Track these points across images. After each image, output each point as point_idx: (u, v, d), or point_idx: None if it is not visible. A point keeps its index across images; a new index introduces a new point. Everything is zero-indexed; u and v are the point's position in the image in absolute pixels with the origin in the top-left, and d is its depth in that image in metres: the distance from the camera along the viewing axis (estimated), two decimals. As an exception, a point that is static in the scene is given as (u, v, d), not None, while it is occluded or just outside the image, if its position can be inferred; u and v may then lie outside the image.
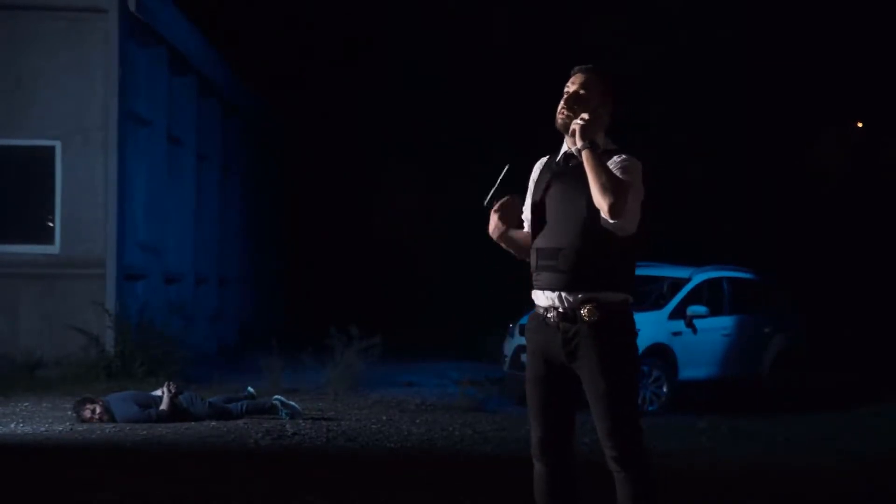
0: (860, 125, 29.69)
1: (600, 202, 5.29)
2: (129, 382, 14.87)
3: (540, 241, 5.58)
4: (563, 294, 5.47)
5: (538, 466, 5.68)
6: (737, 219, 27.14)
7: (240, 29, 29.21)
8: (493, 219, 5.63)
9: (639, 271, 16.63)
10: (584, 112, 5.50)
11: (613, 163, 5.45)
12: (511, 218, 5.65)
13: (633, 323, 5.57)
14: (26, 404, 13.52)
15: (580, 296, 5.43)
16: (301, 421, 12.43)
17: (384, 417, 13.23)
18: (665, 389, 15.73)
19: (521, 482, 7.75)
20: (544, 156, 5.85)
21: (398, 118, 31.10)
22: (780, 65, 27.59)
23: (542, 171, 5.76)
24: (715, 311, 16.51)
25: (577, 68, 5.69)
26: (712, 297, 16.70)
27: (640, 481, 5.49)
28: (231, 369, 18.05)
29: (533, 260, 5.63)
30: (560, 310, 5.49)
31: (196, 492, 8.37)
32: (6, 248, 16.45)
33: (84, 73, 16.55)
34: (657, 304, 16.44)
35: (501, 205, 5.61)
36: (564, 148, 5.66)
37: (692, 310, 16.16)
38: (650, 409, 15.51)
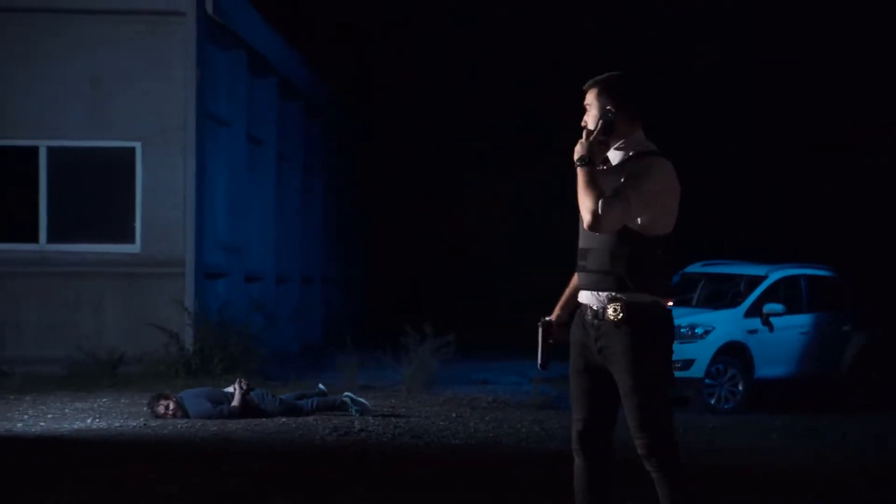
0: None
1: (583, 214, 5.54)
2: (207, 380, 15.07)
3: (580, 242, 5.76)
4: (595, 293, 5.65)
5: (578, 461, 5.81)
6: (800, 216, 26.84)
7: (319, 29, 29.46)
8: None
9: (715, 269, 16.59)
10: (591, 131, 5.65)
11: (631, 166, 5.60)
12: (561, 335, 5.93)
13: (662, 322, 5.63)
14: (105, 400, 13.81)
15: (606, 295, 5.60)
16: (370, 418, 12.54)
17: (453, 415, 13.29)
18: (741, 388, 15.65)
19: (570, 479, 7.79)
20: None
21: (474, 118, 31.20)
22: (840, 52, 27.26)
23: None
24: (792, 309, 16.39)
25: (586, 85, 5.81)
26: (789, 295, 16.57)
27: (671, 476, 5.58)
28: (309, 367, 18.23)
29: (577, 261, 5.82)
30: (593, 307, 5.66)
31: (243, 485, 8.55)
32: (89, 247, 16.78)
33: (163, 76, 16.81)
34: (733, 303, 16.38)
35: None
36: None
37: (769, 308, 16.07)
38: (726, 406, 15.47)
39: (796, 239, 23.93)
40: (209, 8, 16.93)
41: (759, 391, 16.02)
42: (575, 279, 5.90)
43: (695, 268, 17.48)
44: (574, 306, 5.86)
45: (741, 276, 16.90)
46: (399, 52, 32.23)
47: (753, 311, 16.07)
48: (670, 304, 5.69)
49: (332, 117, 26.67)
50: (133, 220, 16.86)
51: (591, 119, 5.69)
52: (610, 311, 5.55)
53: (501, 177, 31.21)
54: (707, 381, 15.45)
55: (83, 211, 16.93)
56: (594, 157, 5.59)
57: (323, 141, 25.66)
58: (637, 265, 5.53)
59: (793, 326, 16.33)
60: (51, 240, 16.81)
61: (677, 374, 15.10)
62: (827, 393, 16.78)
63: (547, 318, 5.88)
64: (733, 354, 15.73)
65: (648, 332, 5.55)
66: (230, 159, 18.62)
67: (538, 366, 5.92)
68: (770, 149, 27.59)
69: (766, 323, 16.02)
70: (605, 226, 5.46)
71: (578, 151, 5.58)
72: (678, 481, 5.57)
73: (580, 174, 5.53)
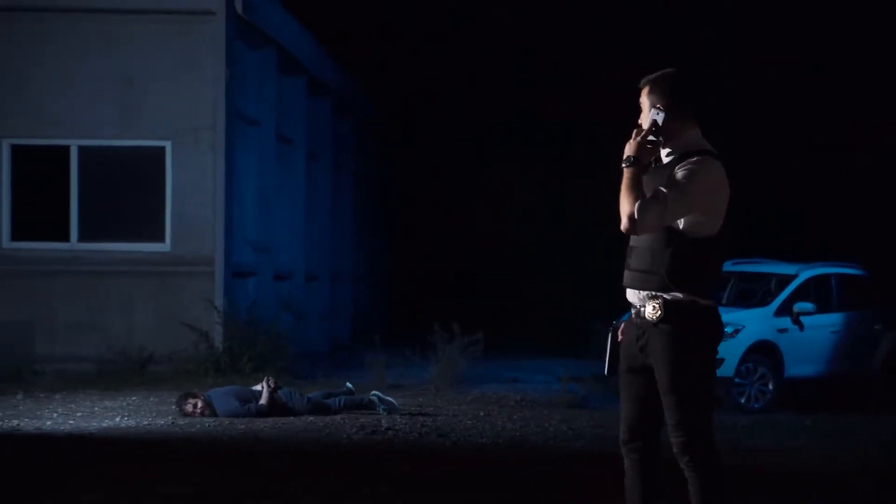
0: None
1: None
2: (236, 378, 15.10)
3: (630, 241, 5.78)
4: (636, 291, 5.67)
5: (627, 461, 5.83)
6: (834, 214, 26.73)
7: (349, 27, 29.51)
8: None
9: (745, 268, 16.50)
10: (641, 131, 5.64)
11: (677, 166, 5.57)
12: None
13: (704, 321, 5.63)
14: (134, 398, 13.88)
15: (647, 293, 5.60)
16: (398, 416, 12.55)
17: (481, 413, 13.28)
18: (771, 387, 15.58)
19: (593, 479, 7.79)
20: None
21: (504, 116, 31.20)
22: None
23: None
24: (823, 308, 16.31)
25: (642, 82, 5.78)
26: (820, 294, 16.48)
27: (704, 474, 5.60)
28: (338, 365, 18.28)
29: None
30: (636, 306, 5.68)
31: (270, 484, 8.59)
32: (120, 246, 16.86)
33: (193, 75, 16.86)
34: (763, 301, 16.32)
35: None
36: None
37: (799, 306, 16.00)
38: (756, 406, 15.42)
39: (821, 239, 23.82)
40: (239, 7, 16.96)
41: (790, 391, 15.95)
42: None
43: (725, 266, 17.35)
44: None
45: (771, 274, 16.84)
46: (427, 48, 32.24)
47: (783, 310, 16.00)
48: (710, 303, 5.65)
49: (361, 115, 26.68)
50: (163, 219, 16.92)
51: (643, 118, 5.69)
52: (649, 309, 5.57)
53: (532, 175, 31.20)
54: (737, 380, 15.41)
55: (114, 210, 17.01)
56: (641, 157, 5.57)
57: (352, 139, 25.69)
58: (678, 265, 5.53)
59: (823, 325, 16.25)
60: (82, 239, 16.91)
61: (706, 373, 15.17)
62: (858, 392, 16.67)
63: (615, 325, 5.86)
64: (763, 353, 15.67)
65: (688, 331, 5.57)
66: (260, 158, 18.66)
67: (605, 372, 5.89)
68: (783, 147, 27.52)
69: (797, 322, 15.94)
70: (640, 229, 5.47)
71: (626, 151, 5.57)
72: (711, 482, 5.58)
73: (624, 175, 5.52)
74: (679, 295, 5.54)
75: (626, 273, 5.70)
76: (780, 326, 15.91)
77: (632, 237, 5.66)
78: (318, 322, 21.86)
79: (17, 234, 16.88)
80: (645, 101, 5.71)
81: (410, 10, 31.37)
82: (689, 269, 5.55)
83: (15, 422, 11.85)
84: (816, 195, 27.27)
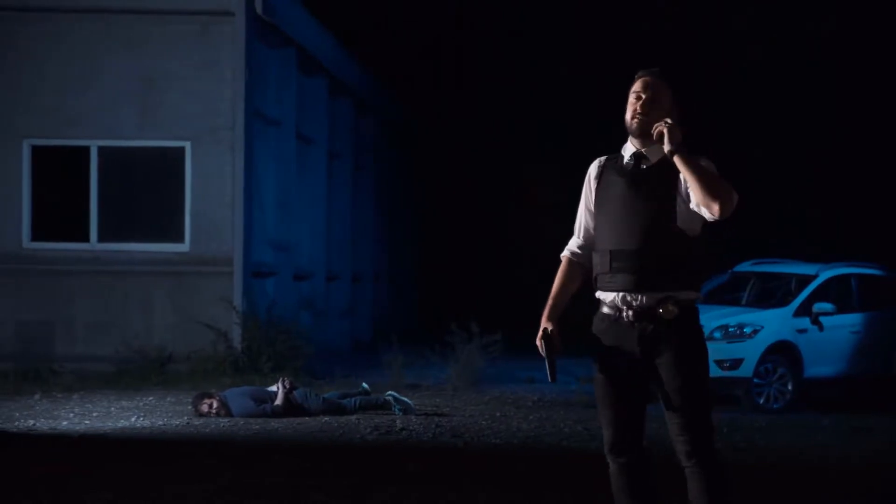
0: None
1: (709, 203, 5.33)
2: (255, 378, 15.14)
3: (612, 243, 5.59)
4: (641, 294, 5.51)
5: (613, 466, 5.74)
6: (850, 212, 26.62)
7: (369, 26, 29.53)
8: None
9: (765, 268, 16.37)
10: (664, 115, 5.51)
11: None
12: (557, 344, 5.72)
13: (698, 320, 5.63)
14: (151, 398, 13.92)
15: (658, 295, 5.50)
16: (413, 417, 12.54)
17: (497, 414, 13.26)
18: (790, 387, 15.51)
19: (605, 480, 7.73)
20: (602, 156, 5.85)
21: (526, 116, 31.16)
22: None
23: (604, 172, 5.74)
24: (843, 309, 16.20)
25: (642, 72, 5.68)
26: (840, 294, 16.39)
27: (712, 475, 5.54)
28: (358, 365, 18.27)
29: (604, 262, 5.63)
30: (636, 309, 5.53)
31: (283, 483, 8.59)
32: (139, 246, 16.93)
33: (213, 75, 16.91)
34: (782, 302, 16.22)
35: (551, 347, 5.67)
36: (631, 149, 5.66)
37: (818, 307, 15.90)
38: (775, 406, 15.35)
39: (841, 239, 23.70)
40: (258, 8, 16.98)
41: (810, 391, 15.87)
42: (558, 287, 5.81)
43: (745, 267, 17.37)
44: (562, 311, 5.75)
45: (791, 275, 16.74)
46: (450, 47, 32.24)
47: (803, 310, 15.91)
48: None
49: (383, 115, 26.69)
50: (182, 219, 16.97)
51: (663, 107, 5.53)
52: (662, 310, 5.47)
53: (552, 176, 31.15)
54: (756, 380, 15.34)
55: (133, 210, 17.08)
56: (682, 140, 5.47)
57: (373, 138, 25.70)
58: (686, 264, 5.50)
59: (843, 326, 16.15)
60: (101, 239, 16.97)
61: (726, 373, 15.15)
62: (878, 392, 16.58)
63: (549, 332, 5.70)
64: (782, 354, 15.59)
65: (697, 329, 5.57)
66: (280, 158, 18.68)
67: (549, 380, 5.80)
68: (804, 148, 27.42)
69: (816, 322, 15.85)
70: (730, 212, 5.38)
71: (668, 137, 5.40)
72: (721, 482, 5.54)
73: (686, 159, 5.37)
74: (688, 293, 5.52)
75: (624, 276, 5.52)
76: (800, 327, 15.82)
77: (620, 240, 5.52)
78: (338, 321, 21.88)
79: (36, 235, 16.97)
80: (656, 89, 5.55)
81: (433, 9, 31.35)
82: (695, 267, 5.54)
83: (31, 422, 11.91)
84: (837, 195, 27.14)
